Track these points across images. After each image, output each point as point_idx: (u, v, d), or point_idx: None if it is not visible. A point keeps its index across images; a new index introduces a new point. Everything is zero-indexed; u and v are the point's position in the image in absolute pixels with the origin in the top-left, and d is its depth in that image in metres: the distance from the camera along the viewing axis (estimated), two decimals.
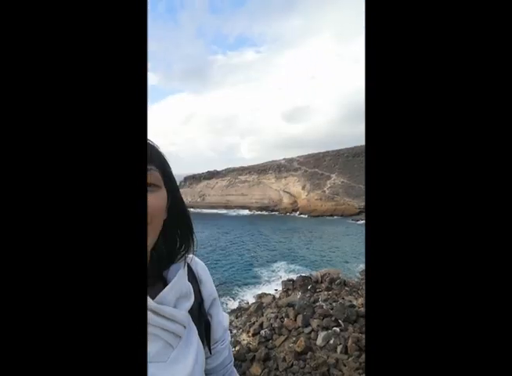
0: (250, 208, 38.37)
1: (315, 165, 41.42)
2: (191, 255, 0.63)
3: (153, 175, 0.49)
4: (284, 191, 39.80)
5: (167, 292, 0.52)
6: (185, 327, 0.55)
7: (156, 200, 0.49)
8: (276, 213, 36.97)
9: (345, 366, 3.64)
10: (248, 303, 10.29)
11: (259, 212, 37.13)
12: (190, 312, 0.57)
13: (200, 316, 0.64)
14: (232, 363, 0.76)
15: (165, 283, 0.55)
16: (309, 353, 4.29)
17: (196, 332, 0.59)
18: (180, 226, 0.60)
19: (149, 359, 0.41)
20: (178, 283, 0.55)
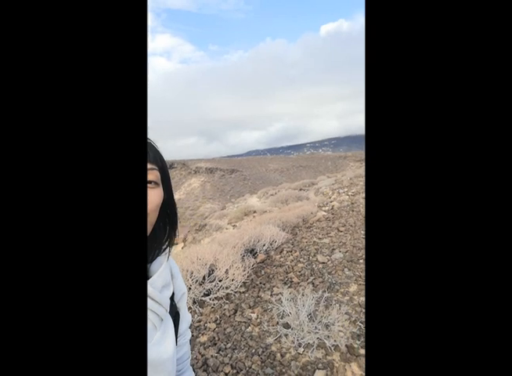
0: None
1: None
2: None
3: (155, 174, 0.54)
4: None
5: (156, 279, 0.56)
6: (166, 310, 0.59)
7: (155, 197, 0.54)
8: None
9: None
10: None
11: None
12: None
13: (172, 307, 0.67)
14: (190, 359, 0.81)
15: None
16: None
17: (171, 320, 0.62)
18: (169, 223, 0.64)
19: None
20: (163, 272, 0.59)
